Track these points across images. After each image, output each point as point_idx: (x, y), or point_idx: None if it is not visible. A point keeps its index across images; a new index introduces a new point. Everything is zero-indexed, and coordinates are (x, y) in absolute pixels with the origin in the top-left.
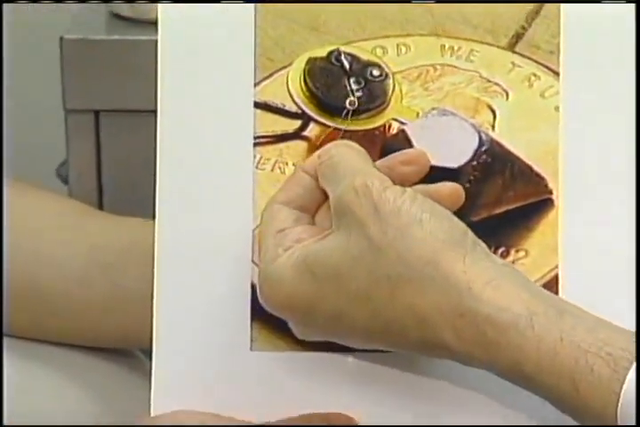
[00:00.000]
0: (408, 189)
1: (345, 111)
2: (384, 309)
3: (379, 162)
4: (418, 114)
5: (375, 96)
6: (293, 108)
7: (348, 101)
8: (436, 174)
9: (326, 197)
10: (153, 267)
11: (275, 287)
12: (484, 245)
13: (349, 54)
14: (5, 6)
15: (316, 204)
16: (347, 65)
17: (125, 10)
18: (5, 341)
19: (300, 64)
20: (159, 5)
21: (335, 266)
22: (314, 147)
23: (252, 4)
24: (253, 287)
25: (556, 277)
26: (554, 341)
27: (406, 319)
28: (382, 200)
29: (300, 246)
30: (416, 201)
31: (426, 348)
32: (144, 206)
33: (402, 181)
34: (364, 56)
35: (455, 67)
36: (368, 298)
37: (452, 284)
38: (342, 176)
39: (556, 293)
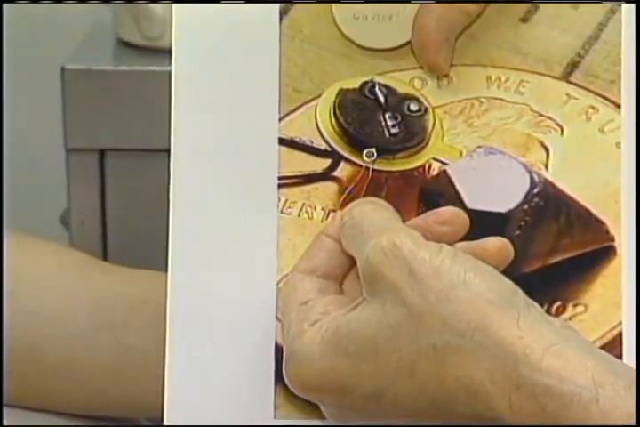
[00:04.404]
0: (445, 246)
1: (362, 169)
2: (430, 383)
3: (410, 222)
4: (461, 153)
5: (413, 133)
6: (322, 146)
7: (365, 153)
8: (482, 220)
9: (354, 262)
10: (165, 326)
11: (302, 367)
12: (537, 305)
13: (385, 86)
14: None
15: (343, 270)
16: (381, 98)
17: (135, 37)
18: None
19: (329, 96)
20: (173, 32)
21: (371, 338)
22: (345, 189)
23: (277, 29)
24: (277, 348)
25: (620, 335)
26: (621, 416)
27: (456, 394)
28: (417, 260)
29: (329, 319)
30: (457, 259)
31: (477, 423)
32: (154, 257)
33: (439, 242)
34: (401, 88)
35: (503, 100)
36: (412, 372)
37: (506, 351)
38: (367, 237)
39: (620, 353)
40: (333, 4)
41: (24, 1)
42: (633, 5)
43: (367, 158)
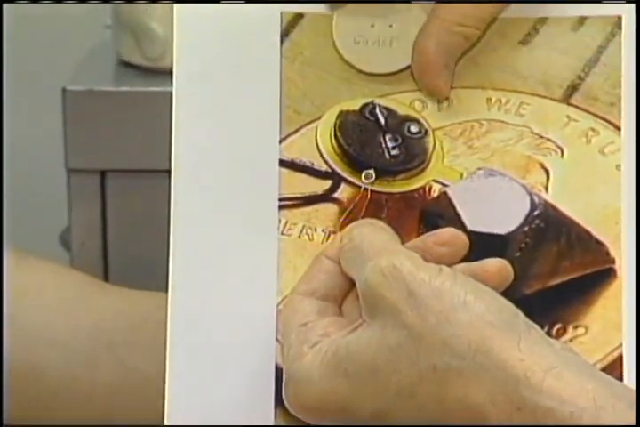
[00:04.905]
0: (444, 268)
1: (363, 187)
2: (431, 404)
3: (409, 243)
4: (462, 175)
5: (413, 155)
6: (323, 167)
7: (363, 175)
8: (482, 242)
9: (353, 284)
10: (165, 346)
11: (302, 389)
12: (537, 327)
13: (385, 108)
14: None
15: (343, 292)
16: (382, 120)
17: (136, 57)
18: None
19: (330, 118)
20: (175, 52)
21: (371, 360)
22: (345, 210)
23: (278, 51)
24: (278, 369)
25: (620, 357)
26: None
27: (457, 414)
28: (416, 282)
29: (328, 341)
30: (457, 280)
31: None
32: (155, 277)
33: (439, 263)
34: (402, 110)
35: (503, 122)
36: (412, 393)
37: (507, 374)
38: (366, 258)
39: (620, 375)
40: (334, 29)
41: (24, 1)
42: (633, 28)
43: (366, 180)
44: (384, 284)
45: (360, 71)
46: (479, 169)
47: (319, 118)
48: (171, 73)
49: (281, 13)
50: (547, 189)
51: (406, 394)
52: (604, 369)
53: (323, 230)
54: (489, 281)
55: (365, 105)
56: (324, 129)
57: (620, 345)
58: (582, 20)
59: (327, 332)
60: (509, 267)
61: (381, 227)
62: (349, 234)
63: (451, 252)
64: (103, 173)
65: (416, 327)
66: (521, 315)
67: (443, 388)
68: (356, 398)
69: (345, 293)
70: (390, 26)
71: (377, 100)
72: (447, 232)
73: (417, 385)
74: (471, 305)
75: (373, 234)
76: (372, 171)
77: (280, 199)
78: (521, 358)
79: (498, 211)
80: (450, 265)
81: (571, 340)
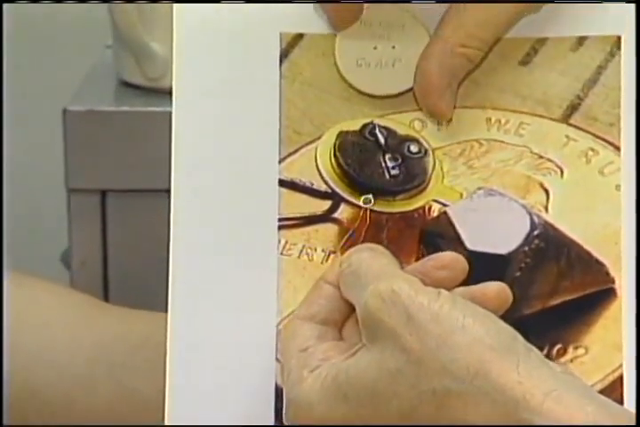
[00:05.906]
0: (443, 291)
1: (362, 210)
2: (430, 426)
3: (409, 267)
4: (461, 195)
5: (413, 175)
6: (322, 188)
7: (362, 199)
8: (483, 262)
9: (353, 308)
10: (165, 367)
11: (302, 413)
12: (537, 350)
13: (385, 128)
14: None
15: (343, 316)
16: (382, 140)
17: (136, 77)
18: None
19: (330, 138)
20: (174, 72)
21: (370, 384)
22: (345, 231)
23: (277, 71)
24: (277, 389)
25: (621, 378)
26: None
27: None
28: (415, 305)
29: (328, 365)
30: (455, 304)
31: None
32: (155, 297)
33: (438, 287)
34: (401, 130)
35: (503, 142)
36: (411, 416)
37: (507, 397)
38: (365, 283)
39: (621, 396)
40: (336, 51)
41: (25, 1)
42: (632, 48)
43: (364, 204)
44: (383, 308)
45: (361, 93)
46: (479, 189)
47: (319, 138)
48: (171, 93)
49: (280, 34)
50: (547, 209)
51: (405, 417)
52: (604, 390)
53: (322, 250)
54: (488, 304)
55: (365, 125)
56: (324, 149)
57: (621, 366)
58: (582, 41)
59: (327, 356)
60: (508, 290)
61: (381, 252)
62: (348, 259)
63: (450, 275)
64: (103, 193)
65: (415, 351)
66: (520, 338)
67: (442, 410)
68: (356, 421)
69: (345, 317)
70: (393, 47)
71: (376, 121)
72: (447, 256)
73: (416, 408)
74: (470, 328)
75: (372, 259)
76: (370, 196)
77: (280, 219)
78: (520, 381)
79: (498, 231)
80: (449, 289)
81: (571, 360)
